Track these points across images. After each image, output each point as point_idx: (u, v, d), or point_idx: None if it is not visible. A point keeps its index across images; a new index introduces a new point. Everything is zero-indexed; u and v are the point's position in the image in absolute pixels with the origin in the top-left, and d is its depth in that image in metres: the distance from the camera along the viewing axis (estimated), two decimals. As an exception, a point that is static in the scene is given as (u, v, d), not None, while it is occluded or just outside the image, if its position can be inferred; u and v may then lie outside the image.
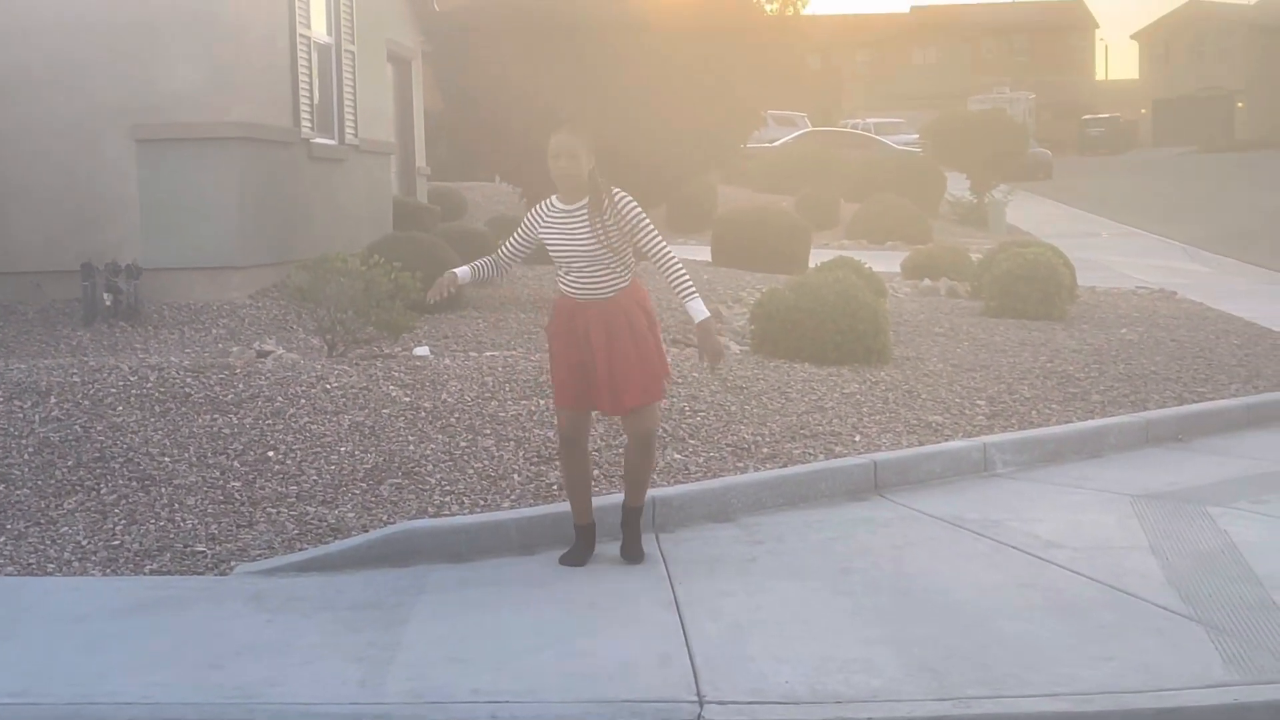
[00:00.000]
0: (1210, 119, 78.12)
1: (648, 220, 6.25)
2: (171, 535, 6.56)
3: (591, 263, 6.17)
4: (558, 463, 7.50)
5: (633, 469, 6.42)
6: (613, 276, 6.21)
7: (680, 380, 9.10)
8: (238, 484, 7.12)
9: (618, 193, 6.21)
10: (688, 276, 6.23)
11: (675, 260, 6.23)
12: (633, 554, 6.41)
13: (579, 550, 6.41)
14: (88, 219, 12.27)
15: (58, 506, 6.85)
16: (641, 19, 12.25)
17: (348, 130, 15.26)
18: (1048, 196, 40.35)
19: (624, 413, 6.26)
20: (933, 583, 6.13)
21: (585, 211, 6.17)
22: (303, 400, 8.22)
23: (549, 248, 6.27)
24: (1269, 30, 77.43)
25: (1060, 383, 10.21)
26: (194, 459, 7.38)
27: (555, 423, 6.68)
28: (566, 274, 6.26)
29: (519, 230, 6.43)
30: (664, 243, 6.23)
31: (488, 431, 7.91)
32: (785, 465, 7.76)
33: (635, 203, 6.24)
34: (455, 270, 6.44)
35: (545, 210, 6.32)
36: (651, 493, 7.11)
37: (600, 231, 6.11)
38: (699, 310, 6.19)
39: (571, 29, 11.88)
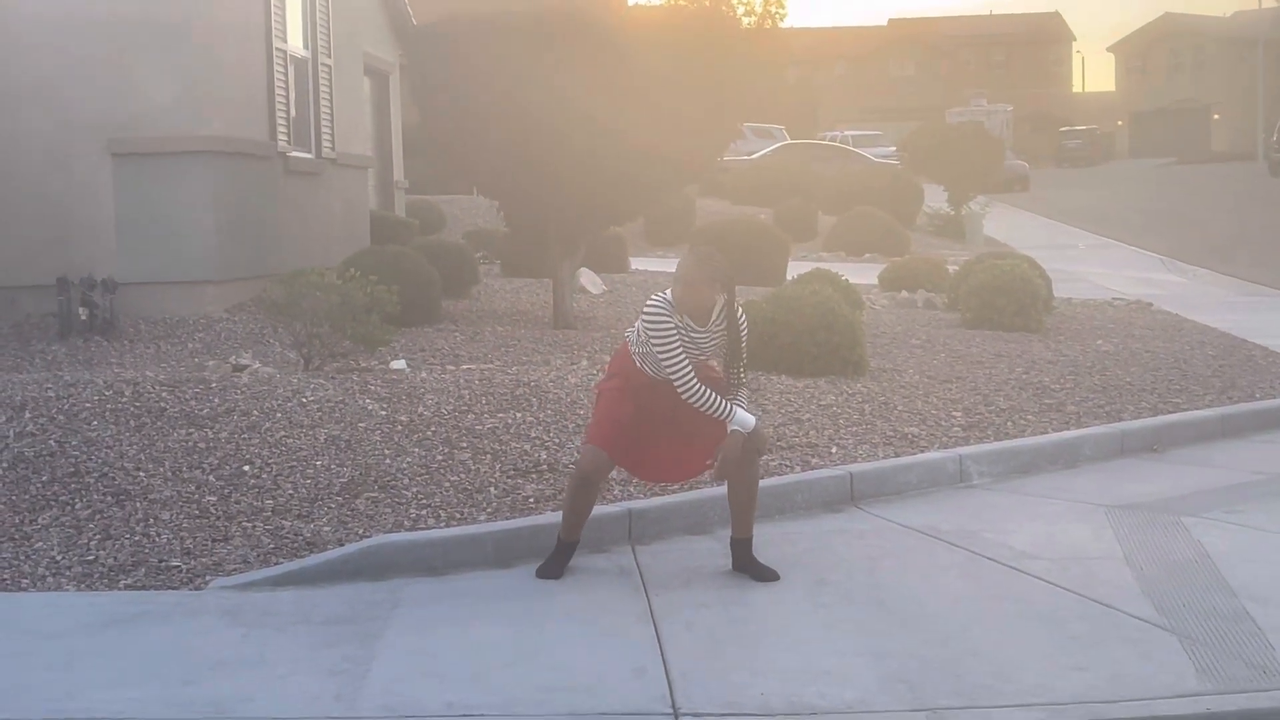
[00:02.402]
0: (1187, 131, 78.66)
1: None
2: (146, 550, 6.53)
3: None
4: (534, 476, 7.50)
5: (734, 501, 6.50)
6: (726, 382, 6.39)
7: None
8: (213, 498, 7.10)
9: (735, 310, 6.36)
10: (719, 403, 6.26)
11: (707, 395, 6.28)
12: (762, 573, 6.40)
13: (556, 563, 6.40)
14: (63, 233, 12.24)
15: (32, 522, 6.82)
16: (618, 33, 12.26)
17: (325, 144, 15.25)
18: (1025, 208, 40.49)
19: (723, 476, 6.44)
20: (908, 594, 6.14)
21: (721, 328, 6.33)
22: (279, 414, 8.21)
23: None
24: (1244, 43, 77.94)
25: (1036, 394, 10.25)
26: (169, 473, 7.36)
27: (578, 459, 6.55)
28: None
29: (676, 342, 6.21)
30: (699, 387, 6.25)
31: (464, 445, 7.91)
32: (762, 477, 7.74)
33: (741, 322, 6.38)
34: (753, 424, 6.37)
35: (682, 326, 6.25)
36: (628, 505, 7.13)
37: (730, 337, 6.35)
38: (743, 420, 6.27)
39: (548, 43, 11.88)
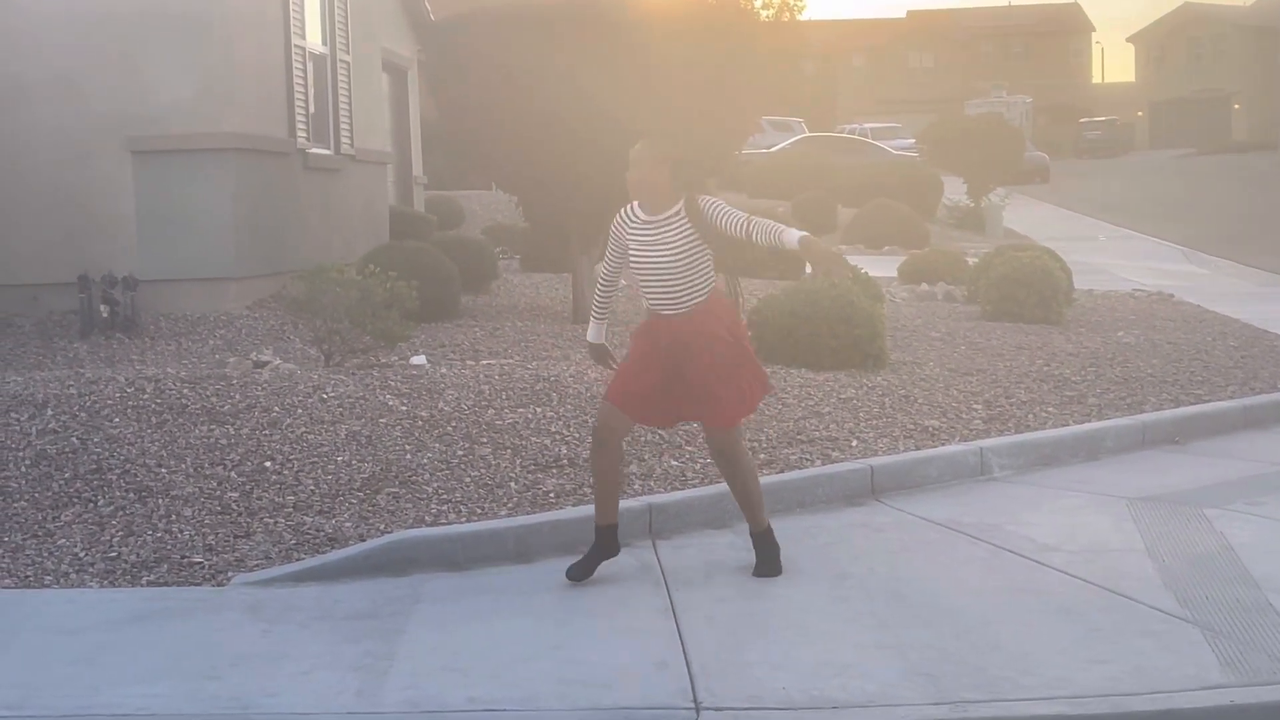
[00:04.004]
0: (1207, 121, 78.24)
1: (724, 206, 6.14)
2: (168, 546, 6.56)
3: (675, 276, 6.10)
4: (554, 471, 7.51)
5: (734, 491, 6.43)
6: (696, 286, 6.13)
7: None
8: (235, 494, 7.12)
9: (703, 197, 6.15)
10: (771, 222, 6.04)
11: (755, 220, 6.02)
12: (766, 569, 6.34)
13: (591, 558, 6.25)
14: (84, 231, 12.28)
15: (55, 519, 6.85)
16: (637, 27, 12.25)
17: (343, 140, 15.28)
18: (1045, 200, 40.39)
19: (704, 423, 6.33)
20: (929, 587, 6.14)
21: (680, 218, 6.11)
22: (299, 410, 8.23)
23: (630, 260, 6.21)
24: (1264, 32, 77.55)
25: (1057, 386, 10.22)
26: (191, 470, 7.38)
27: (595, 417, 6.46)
28: (645, 289, 6.23)
29: (609, 244, 6.36)
30: (742, 214, 6.07)
31: (484, 440, 7.92)
32: (782, 471, 7.76)
33: (723, 203, 6.18)
34: (595, 342, 6.57)
35: (625, 221, 6.26)
36: (648, 499, 7.12)
37: (684, 240, 6.09)
38: (794, 237, 5.90)
39: (566, 38, 11.88)
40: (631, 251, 6.20)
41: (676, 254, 6.09)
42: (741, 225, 6.01)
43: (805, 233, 5.97)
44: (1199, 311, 15.54)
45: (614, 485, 6.31)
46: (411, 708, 4.83)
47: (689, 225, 6.09)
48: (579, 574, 6.21)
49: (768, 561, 6.35)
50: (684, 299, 6.13)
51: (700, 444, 8.06)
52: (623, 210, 6.32)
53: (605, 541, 6.29)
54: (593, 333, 6.60)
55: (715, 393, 6.13)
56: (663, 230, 6.12)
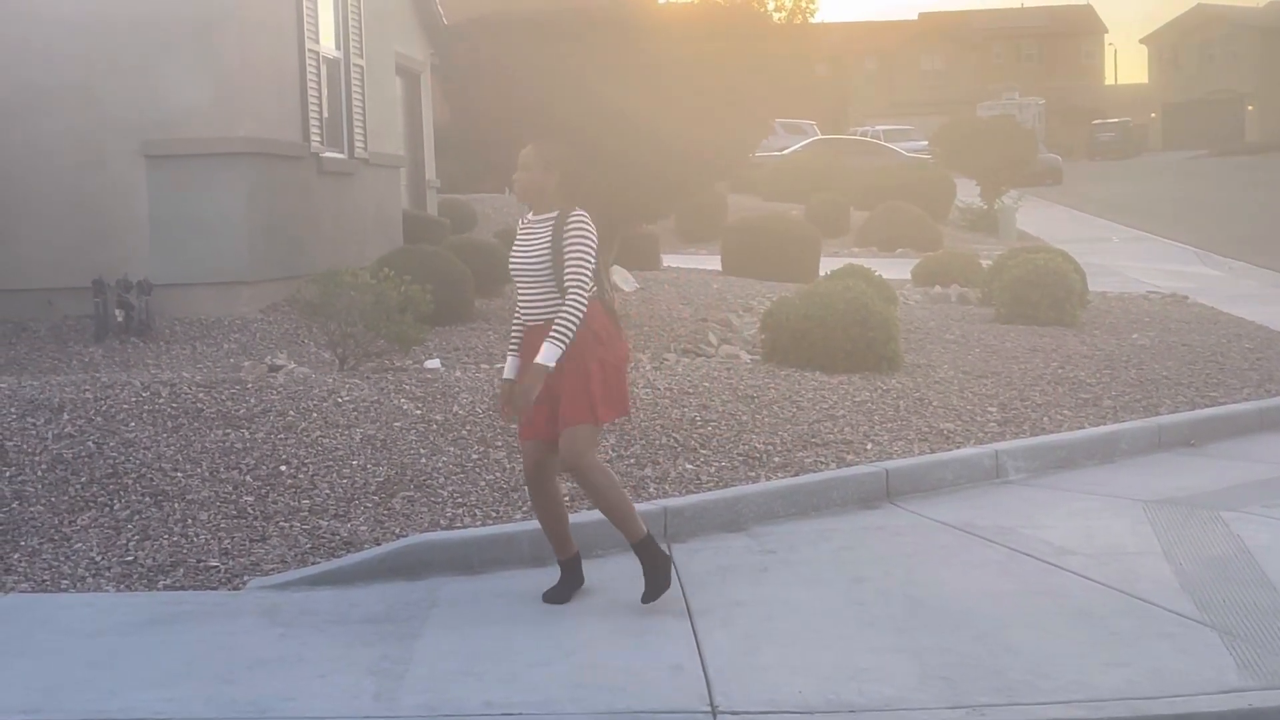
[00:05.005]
0: (1220, 122, 78.04)
1: (587, 244, 5.88)
2: (185, 550, 6.57)
3: (537, 281, 5.91)
4: (567, 474, 7.48)
5: (594, 504, 6.21)
6: (551, 300, 5.89)
7: (691, 390, 9.10)
8: (250, 498, 7.13)
9: (577, 212, 5.98)
10: (570, 322, 5.78)
11: (576, 297, 5.80)
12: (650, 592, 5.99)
13: (565, 588, 6.12)
14: (98, 235, 12.31)
15: (71, 523, 6.87)
16: (649, 30, 12.26)
17: (357, 144, 15.29)
18: (1058, 202, 40.31)
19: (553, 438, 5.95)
20: (945, 590, 6.13)
21: (544, 224, 5.99)
22: (314, 414, 8.24)
23: (512, 259, 6.08)
24: (1277, 33, 77.40)
25: (1072, 389, 10.20)
26: (206, 474, 7.40)
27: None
28: (518, 294, 6.06)
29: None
30: (583, 274, 5.85)
31: (499, 443, 7.92)
32: (797, 474, 7.76)
33: (587, 225, 5.94)
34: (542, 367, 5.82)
35: (520, 221, 6.21)
36: (663, 503, 7.13)
37: (545, 245, 5.91)
38: (547, 355, 5.75)
39: (579, 40, 11.89)
40: (512, 250, 6.08)
41: (537, 257, 5.91)
42: (569, 270, 5.84)
43: (548, 365, 5.72)
44: (1213, 313, 15.50)
45: (556, 520, 6.13)
46: (428, 712, 4.84)
47: (553, 233, 5.93)
48: (558, 598, 6.08)
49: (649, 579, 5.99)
50: (541, 307, 5.91)
51: (715, 447, 8.08)
52: (523, 215, 6.22)
53: (571, 574, 6.16)
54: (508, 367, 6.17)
55: (566, 400, 5.86)
56: (535, 231, 5.99)
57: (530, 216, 6.11)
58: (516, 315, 6.09)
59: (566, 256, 5.86)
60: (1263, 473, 8.47)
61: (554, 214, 6.00)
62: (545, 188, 6.04)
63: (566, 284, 5.84)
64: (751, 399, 9.10)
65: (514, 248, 6.09)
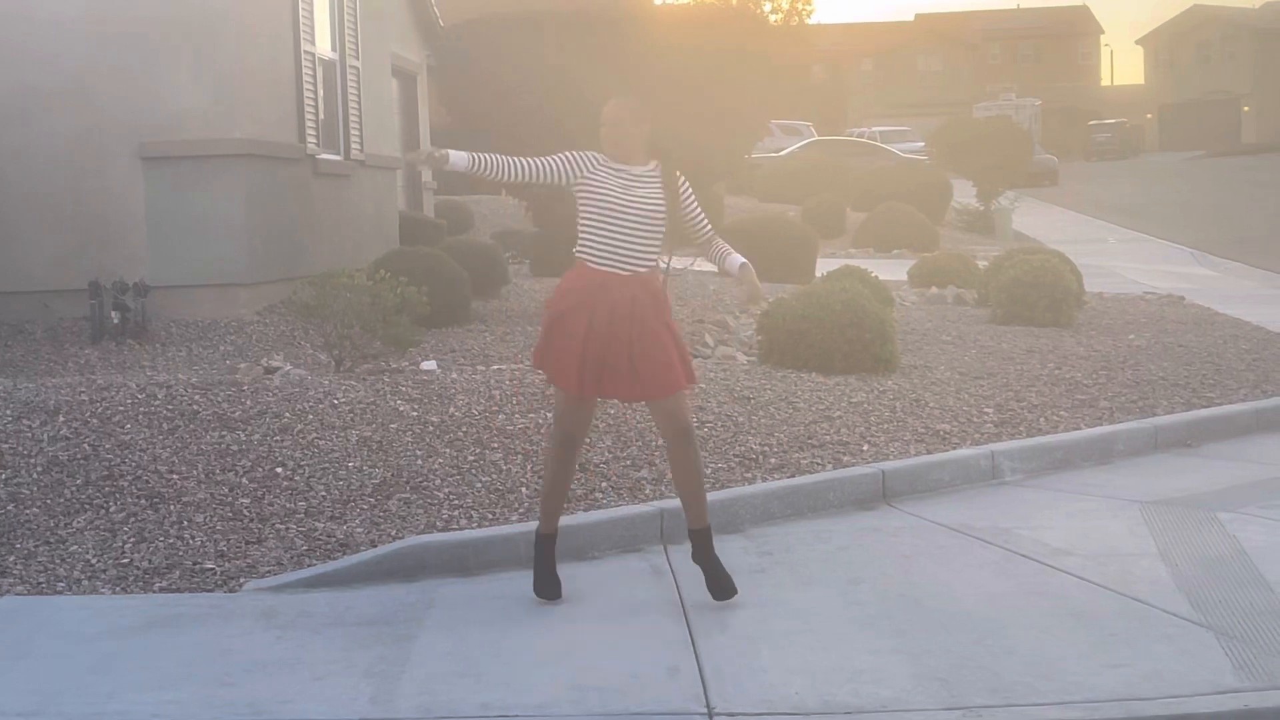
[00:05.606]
0: (1216, 123, 78.14)
1: (693, 194, 6.17)
2: (180, 553, 6.57)
3: (652, 232, 5.95)
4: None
5: (687, 475, 5.97)
6: (657, 251, 6.01)
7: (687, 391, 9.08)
8: (246, 500, 7.13)
9: (679, 176, 6.13)
10: (724, 242, 6.20)
11: (713, 232, 6.21)
12: (722, 588, 5.97)
13: (546, 574, 6.07)
14: (95, 237, 12.30)
15: (67, 525, 6.86)
16: (645, 31, 12.27)
17: (353, 146, 15.28)
18: (1054, 203, 40.33)
19: (658, 396, 5.88)
20: (942, 592, 6.13)
21: (656, 176, 6.03)
22: (310, 416, 8.23)
23: (599, 204, 5.92)
24: (1273, 34, 77.51)
25: (1068, 389, 10.20)
26: (202, 476, 7.39)
27: (555, 410, 6.15)
28: (611, 240, 5.91)
29: (551, 159, 6.02)
30: (704, 215, 6.20)
31: (495, 445, 7.92)
32: (793, 475, 7.75)
33: (689, 187, 6.16)
34: (449, 152, 6.03)
35: (596, 162, 6.03)
36: (659, 504, 7.12)
37: (669, 199, 6.01)
38: (737, 261, 6.06)
39: (576, 42, 11.90)
40: (609, 197, 5.92)
41: (656, 208, 5.96)
42: (701, 222, 6.13)
43: (746, 260, 6.07)
44: (1210, 314, 15.50)
45: (566, 489, 6.16)
46: (425, 714, 4.83)
47: (662, 187, 6.01)
48: (553, 592, 6.05)
49: (721, 570, 6.05)
50: (647, 257, 5.95)
51: (711, 449, 8.06)
52: (589, 154, 6.05)
53: (549, 550, 6.12)
54: (456, 155, 6.07)
55: (670, 356, 5.90)
56: (644, 184, 5.99)
57: (614, 163, 6.01)
58: (605, 260, 5.92)
59: (693, 211, 6.10)
60: (1259, 473, 8.47)
61: (651, 166, 6.07)
62: (638, 140, 6.06)
63: (708, 233, 6.15)
64: (748, 400, 9.10)
65: (617, 196, 5.92)
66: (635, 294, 5.90)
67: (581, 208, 6.01)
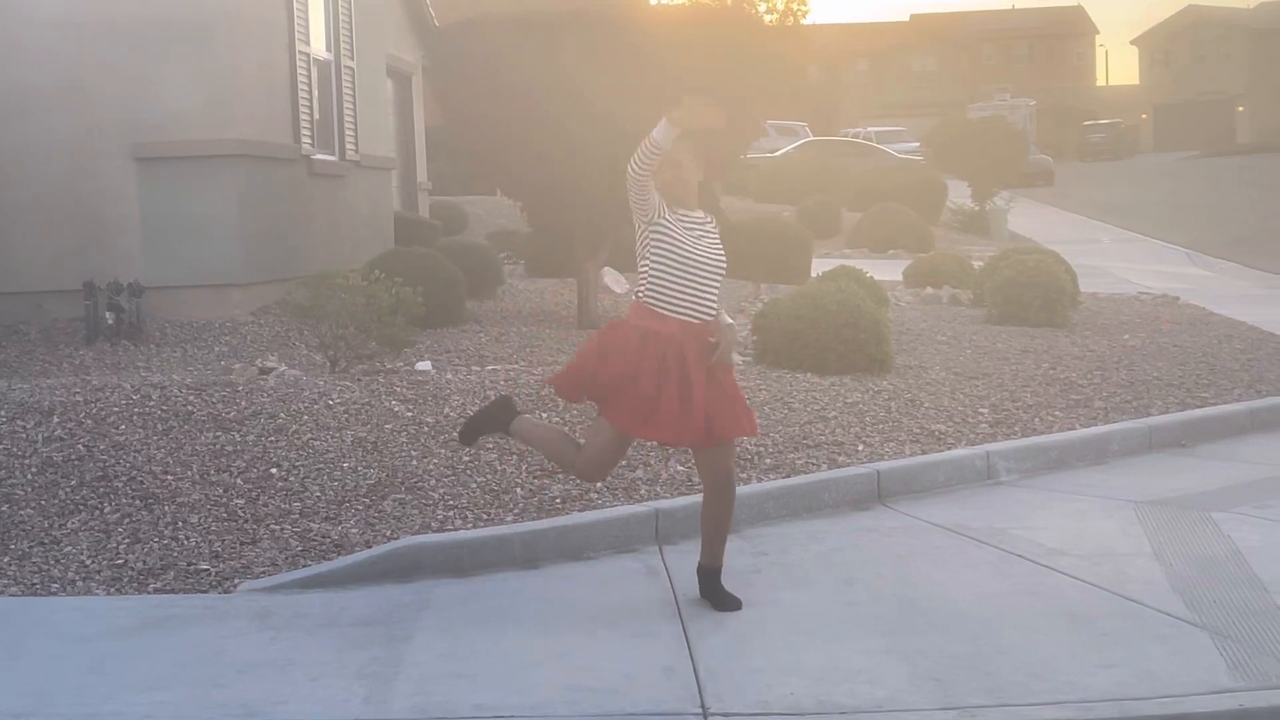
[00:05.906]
0: (1211, 123, 78.27)
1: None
2: (175, 553, 6.56)
3: (719, 283, 5.90)
4: (560, 476, 7.47)
5: (720, 520, 5.99)
6: (717, 296, 5.94)
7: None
8: (241, 501, 7.12)
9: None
10: None
11: None
12: (726, 601, 5.98)
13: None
14: (89, 238, 12.29)
15: (61, 526, 6.85)
16: (641, 32, 12.26)
17: (348, 146, 15.28)
18: (1049, 203, 40.36)
19: (713, 444, 5.83)
20: (937, 592, 6.13)
21: (715, 228, 5.97)
22: (305, 416, 8.23)
23: (674, 253, 5.78)
24: (1267, 34, 77.65)
25: (1063, 390, 10.21)
26: (197, 477, 7.39)
27: (597, 441, 5.97)
28: (686, 290, 5.79)
29: (651, 197, 5.81)
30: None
31: (490, 446, 7.91)
32: (788, 476, 7.75)
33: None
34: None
35: (663, 205, 5.83)
36: (654, 504, 7.12)
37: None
38: (728, 319, 5.99)
39: (571, 42, 11.89)
40: (682, 245, 5.78)
41: (721, 261, 5.90)
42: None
43: (733, 322, 6.01)
44: (1204, 314, 15.52)
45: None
46: (420, 714, 4.83)
47: (720, 240, 5.96)
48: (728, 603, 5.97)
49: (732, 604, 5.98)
50: (714, 305, 5.89)
51: (706, 449, 8.04)
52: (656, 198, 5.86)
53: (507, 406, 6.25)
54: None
55: (741, 405, 5.91)
56: (708, 234, 5.91)
57: (681, 212, 5.87)
58: (680, 309, 5.80)
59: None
60: (1254, 473, 8.47)
61: (707, 216, 5.98)
62: (695, 184, 5.94)
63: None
64: (743, 401, 9.08)
65: (691, 245, 5.80)
66: (705, 341, 5.81)
67: (654, 252, 5.82)
